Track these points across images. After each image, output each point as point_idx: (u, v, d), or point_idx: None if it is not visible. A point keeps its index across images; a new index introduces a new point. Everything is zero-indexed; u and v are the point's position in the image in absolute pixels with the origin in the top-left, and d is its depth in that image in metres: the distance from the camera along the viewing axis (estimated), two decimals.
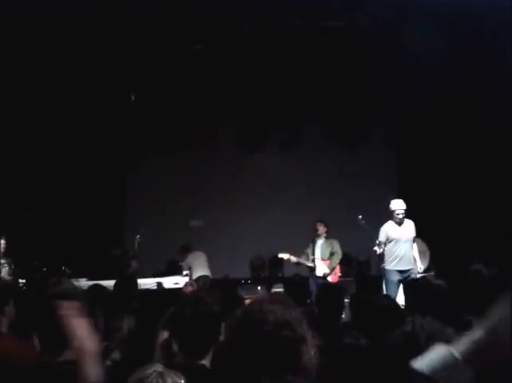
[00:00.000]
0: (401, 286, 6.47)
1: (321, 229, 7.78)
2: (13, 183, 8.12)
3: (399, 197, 7.12)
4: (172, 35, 7.84)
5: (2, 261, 6.77)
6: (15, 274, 6.76)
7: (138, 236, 8.04)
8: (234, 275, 9.31)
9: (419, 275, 6.67)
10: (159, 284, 7.38)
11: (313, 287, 6.97)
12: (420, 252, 7.21)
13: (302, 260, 7.65)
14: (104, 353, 2.62)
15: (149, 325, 2.83)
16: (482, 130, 7.69)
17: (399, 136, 10.05)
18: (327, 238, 7.81)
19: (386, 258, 6.70)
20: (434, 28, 6.88)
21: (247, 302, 1.92)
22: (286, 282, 5.46)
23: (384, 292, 6.50)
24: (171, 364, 1.97)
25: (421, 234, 7.27)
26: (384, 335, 1.92)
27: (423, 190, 8.77)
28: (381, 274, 6.89)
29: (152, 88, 9.18)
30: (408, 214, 6.89)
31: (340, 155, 10.21)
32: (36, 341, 2.35)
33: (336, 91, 9.43)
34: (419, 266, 6.84)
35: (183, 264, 8.29)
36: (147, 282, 7.17)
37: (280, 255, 7.75)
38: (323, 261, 7.68)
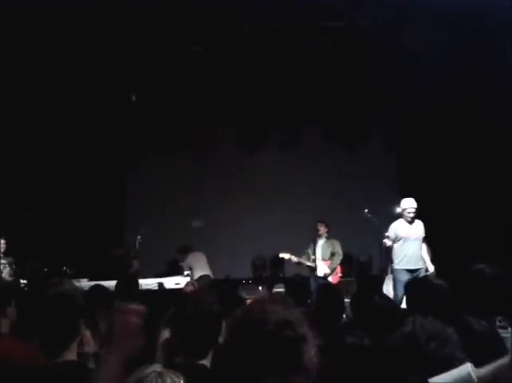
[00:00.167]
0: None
1: (322, 229, 7.78)
2: (13, 183, 8.11)
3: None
4: (172, 35, 7.84)
5: (3, 261, 6.76)
6: (16, 275, 6.75)
7: (139, 237, 8.04)
8: (234, 275, 9.31)
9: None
10: (161, 284, 7.38)
11: (313, 287, 6.96)
12: None
13: (303, 260, 7.64)
14: None
15: (150, 325, 2.83)
16: (482, 130, 7.68)
17: (399, 136, 10.05)
18: (328, 238, 7.81)
19: (394, 257, 6.61)
20: (434, 28, 6.87)
21: (248, 302, 1.93)
22: (287, 282, 5.47)
23: (392, 292, 6.42)
24: (170, 364, 1.97)
25: None
26: (384, 335, 1.92)
27: (423, 190, 8.75)
28: (381, 273, 6.87)
29: (153, 89, 9.19)
30: None
31: (340, 155, 10.21)
32: (37, 342, 2.35)
33: (337, 91, 9.42)
34: (430, 267, 6.60)
35: (184, 265, 8.27)
36: (148, 283, 7.17)
37: (281, 255, 7.75)
38: (324, 261, 7.68)
